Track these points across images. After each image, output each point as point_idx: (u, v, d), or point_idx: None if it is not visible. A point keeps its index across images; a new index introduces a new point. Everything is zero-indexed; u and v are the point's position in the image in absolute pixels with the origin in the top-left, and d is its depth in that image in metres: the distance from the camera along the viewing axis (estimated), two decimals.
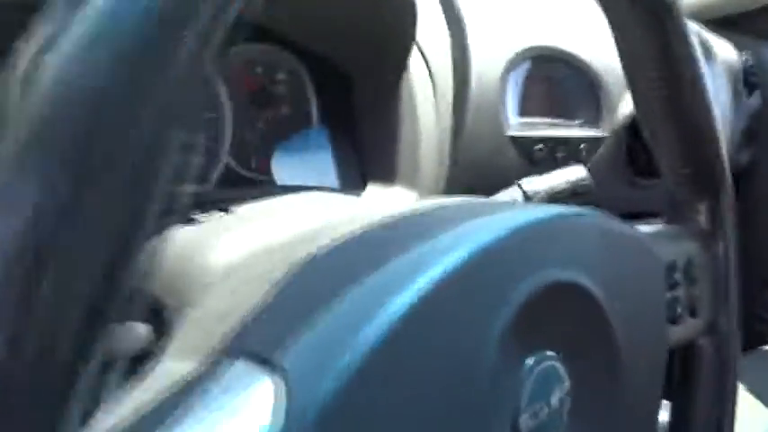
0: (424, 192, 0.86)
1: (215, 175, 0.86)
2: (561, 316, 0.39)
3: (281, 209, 0.58)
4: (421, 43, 0.91)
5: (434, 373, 0.30)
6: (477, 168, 0.90)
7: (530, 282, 0.35)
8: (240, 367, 0.28)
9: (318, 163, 0.96)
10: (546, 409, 0.37)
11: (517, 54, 0.94)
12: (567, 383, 0.38)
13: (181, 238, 0.46)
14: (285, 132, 0.93)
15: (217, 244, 0.42)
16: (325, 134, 0.97)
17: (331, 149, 0.96)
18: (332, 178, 0.95)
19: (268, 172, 0.92)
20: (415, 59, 0.91)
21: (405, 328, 0.29)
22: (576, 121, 1.02)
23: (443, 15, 0.96)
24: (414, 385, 0.29)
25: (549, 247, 0.38)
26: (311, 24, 0.88)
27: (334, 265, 0.33)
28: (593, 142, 1.02)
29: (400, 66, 0.86)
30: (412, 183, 0.85)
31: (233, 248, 0.41)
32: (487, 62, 0.94)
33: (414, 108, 0.88)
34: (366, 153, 0.92)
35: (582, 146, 0.99)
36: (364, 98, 0.93)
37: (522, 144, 0.94)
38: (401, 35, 0.83)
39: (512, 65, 0.94)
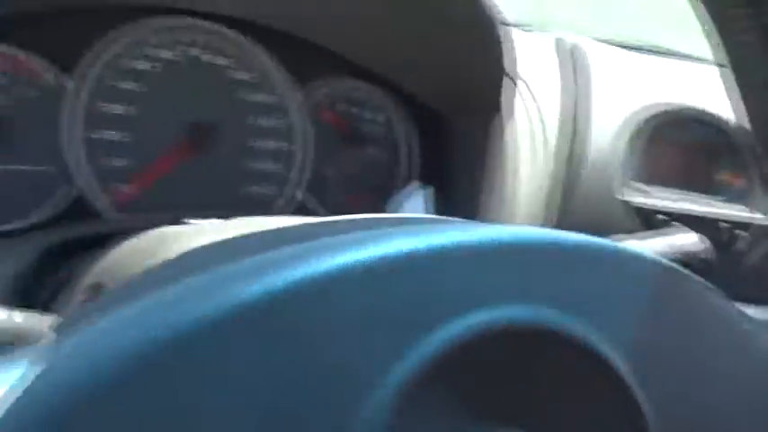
0: None
1: (287, 208, 0.80)
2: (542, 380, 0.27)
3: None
4: (536, 91, 0.82)
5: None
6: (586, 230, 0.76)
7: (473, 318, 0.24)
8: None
9: (407, 208, 0.88)
10: None
11: (644, 112, 0.81)
12: None
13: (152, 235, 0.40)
14: (371, 172, 0.87)
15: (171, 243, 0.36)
16: (416, 177, 0.89)
17: (422, 194, 0.88)
18: None
19: (346, 211, 0.85)
20: (526, 106, 0.81)
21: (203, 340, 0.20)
22: (719, 197, 0.85)
23: (570, 64, 0.86)
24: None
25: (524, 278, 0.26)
26: (400, 61, 0.82)
27: (200, 258, 0.25)
28: (741, 226, 0.84)
29: (493, 105, 0.76)
30: None
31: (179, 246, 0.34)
32: (610, 119, 0.81)
33: (514, 157, 0.78)
34: (456, 199, 0.82)
35: (721, 226, 0.82)
36: (456, 139, 0.85)
37: (642, 213, 0.79)
38: (490, 72, 0.74)
39: (637, 123, 0.80)
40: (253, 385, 0.22)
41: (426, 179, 0.89)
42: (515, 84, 0.80)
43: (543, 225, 0.76)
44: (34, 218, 0.68)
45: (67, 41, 0.69)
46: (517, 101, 0.79)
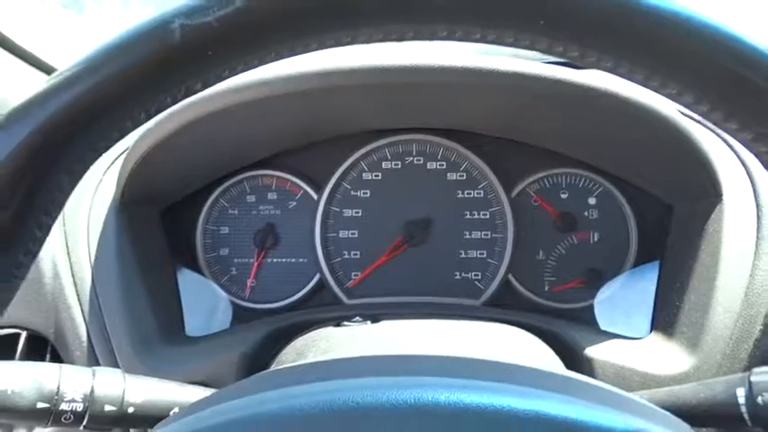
0: (710, 347, 0.67)
1: (489, 290, 0.87)
2: None
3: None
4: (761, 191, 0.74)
5: None
6: None
7: None
8: None
9: (636, 298, 0.86)
10: None
11: None
12: None
13: None
14: (586, 257, 0.87)
15: None
16: (638, 260, 0.86)
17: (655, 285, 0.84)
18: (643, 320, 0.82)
19: (555, 295, 0.87)
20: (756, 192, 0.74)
21: None
22: None
23: None
24: None
25: None
26: (613, 154, 0.82)
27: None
28: None
29: (712, 190, 0.71)
30: (693, 343, 0.68)
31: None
32: None
33: (734, 242, 0.71)
34: (664, 293, 0.77)
35: None
36: (678, 223, 0.80)
37: None
38: (701, 162, 0.70)
39: None
40: None
41: (647, 261, 0.86)
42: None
43: (754, 316, 0.67)
44: (291, 299, 0.89)
45: (317, 164, 0.90)
46: (741, 187, 0.73)
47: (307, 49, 0.33)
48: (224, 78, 0.34)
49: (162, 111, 0.34)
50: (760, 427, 0.47)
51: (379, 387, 0.34)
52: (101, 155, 0.34)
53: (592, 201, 0.88)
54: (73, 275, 0.73)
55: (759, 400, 0.47)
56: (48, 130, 0.32)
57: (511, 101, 0.74)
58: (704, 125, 0.74)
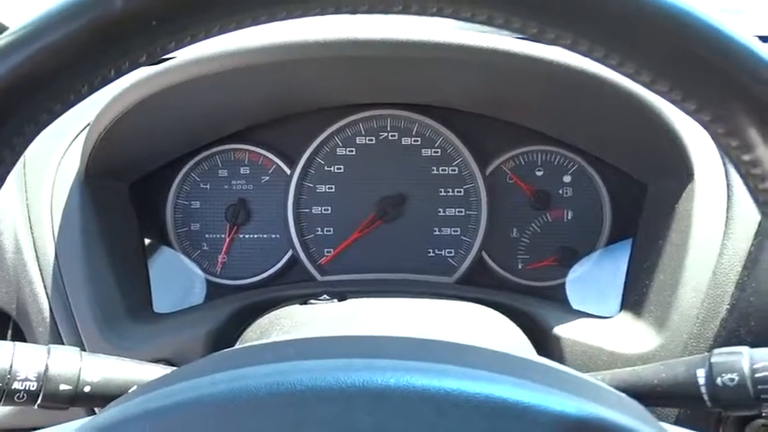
0: (677, 326, 0.68)
1: (462, 268, 0.87)
2: None
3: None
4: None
5: None
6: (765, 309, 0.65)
7: None
8: None
9: (607, 276, 0.86)
10: None
11: None
12: None
13: None
14: (560, 234, 0.87)
15: None
16: (612, 237, 0.86)
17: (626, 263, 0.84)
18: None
19: (529, 273, 0.87)
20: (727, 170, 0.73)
21: None
22: None
23: None
24: None
25: None
26: (586, 133, 0.82)
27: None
28: None
29: (684, 170, 0.71)
30: (661, 322, 0.68)
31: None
32: None
33: (705, 221, 0.71)
34: (634, 272, 0.78)
35: None
36: (650, 201, 0.80)
37: None
38: (673, 142, 0.70)
39: None
40: None
41: (619, 238, 0.86)
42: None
43: (720, 296, 0.67)
44: (263, 275, 0.88)
45: (291, 139, 0.88)
46: (712, 167, 0.73)
47: (255, 21, 0.31)
48: (171, 51, 0.32)
49: (107, 83, 0.33)
50: (718, 407, 0.48)
51: (328, 369, 0.33)
52: (43, 128, 0.33)
53: (567, 179, 0.88)
54: (36, 250, 0.71)
55: (718, 381, 0.47)
56: None
57: (486, 77, 0.73)
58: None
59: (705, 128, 0.31)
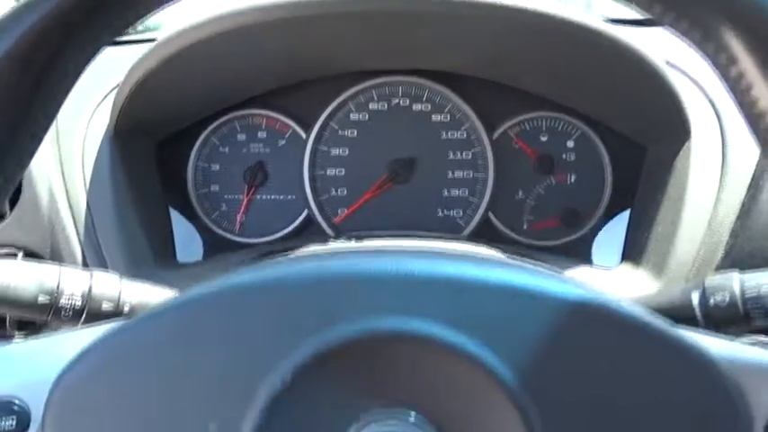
0: (674, 272, 0.72)
1: (470, 227, 0.91)
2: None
3: None
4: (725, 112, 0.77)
5: None
6: (759, 247, 0.69)
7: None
8: None
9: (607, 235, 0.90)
10: None
11: None
12: None
13: None
14: (565, 197, 0.91)
15: None
16: (613, 201, 0.90)
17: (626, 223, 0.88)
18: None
19: (536, 234, 0.91)
20: (722, 127, 0.77)
21: None
22: None
23: None
24: None
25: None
26: (589, 96, 0.85)
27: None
28: None
29: (682, 130, 0.75)
30: (659, 269, 0.72)
31: None
32: None
33: (701, 179, 0.75)
34: (634, 227, 0.82)
35: None
36: (651, 167, 0.84)
37: None
38: (672, 103, 0.74)
39: None
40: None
41: (621, 202, 0.89)
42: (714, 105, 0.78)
43: (715, 244, 0.71)
44: (279, 234, 0.92)
45: (306, 104, 0.92)
46: (708, 124, 0.77)
47: None
48: None
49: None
50: (711, 327, 0.52)
51: (362, 258, 0.37)
52: (105, 44, 0.36)
53: (570, 144, 0.92)
54: (68, 198, 0.75)
55: (711, 301, 0.51)
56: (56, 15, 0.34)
57: (493, 38, 0.76)
58: (674, 67, 0.77)
59: (696, 47, 0.34)
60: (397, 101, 0.93)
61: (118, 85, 0.81)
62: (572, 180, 0.92)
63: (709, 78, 0.79)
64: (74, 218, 0.75)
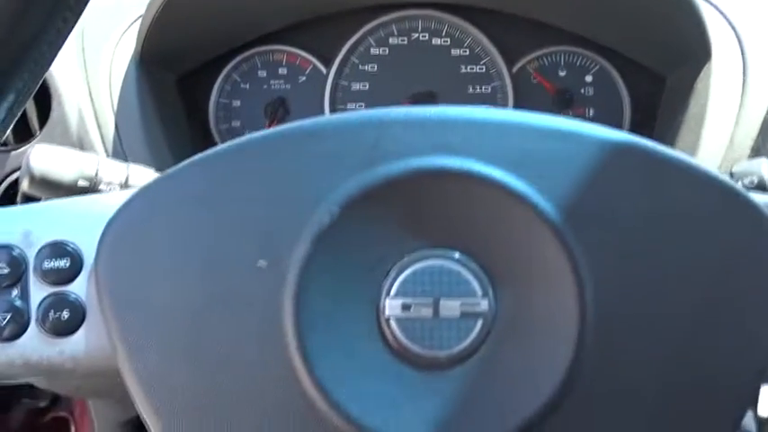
0: None
1: None
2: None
3: None
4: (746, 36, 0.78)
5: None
6: None
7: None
8: None
9: None
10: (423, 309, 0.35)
11: None
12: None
13: None
14: None
15: None
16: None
17: None
18: None
19: None
20: (743, 50, 0.78)
21: None
22: None
23: None
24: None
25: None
26: (608, 25, 0.86)
27: None
28: None
29: (702, 54, 0.76)
30: None
31: None
32: None
33: (720, 104, 0.76)
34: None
35: None
36: (670, 95, 0.84)
37: None
38: (693, 25, 0.74)
39: None
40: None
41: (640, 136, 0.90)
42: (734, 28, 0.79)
43: (736, 159, 0.72)
44: None
45: (326, 40, 0.93)
46: (728, 47, 0.77)
47: None
48: None
49: None
50: None
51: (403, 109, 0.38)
52: None
53: (588, 78, 0.92)
54: (97, 119, 0.77)
55: (739, 184, 0.52)
56: None
57: None
58: None
59: None
60: (416, 35, 0.93)
61: (141, 16, 0.82)
62: (590, 114, 0.93)
63: (731, 2, 0.79)
64: (102, 139, 0.76)
